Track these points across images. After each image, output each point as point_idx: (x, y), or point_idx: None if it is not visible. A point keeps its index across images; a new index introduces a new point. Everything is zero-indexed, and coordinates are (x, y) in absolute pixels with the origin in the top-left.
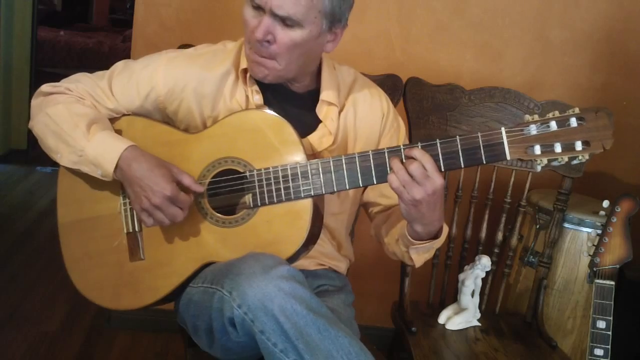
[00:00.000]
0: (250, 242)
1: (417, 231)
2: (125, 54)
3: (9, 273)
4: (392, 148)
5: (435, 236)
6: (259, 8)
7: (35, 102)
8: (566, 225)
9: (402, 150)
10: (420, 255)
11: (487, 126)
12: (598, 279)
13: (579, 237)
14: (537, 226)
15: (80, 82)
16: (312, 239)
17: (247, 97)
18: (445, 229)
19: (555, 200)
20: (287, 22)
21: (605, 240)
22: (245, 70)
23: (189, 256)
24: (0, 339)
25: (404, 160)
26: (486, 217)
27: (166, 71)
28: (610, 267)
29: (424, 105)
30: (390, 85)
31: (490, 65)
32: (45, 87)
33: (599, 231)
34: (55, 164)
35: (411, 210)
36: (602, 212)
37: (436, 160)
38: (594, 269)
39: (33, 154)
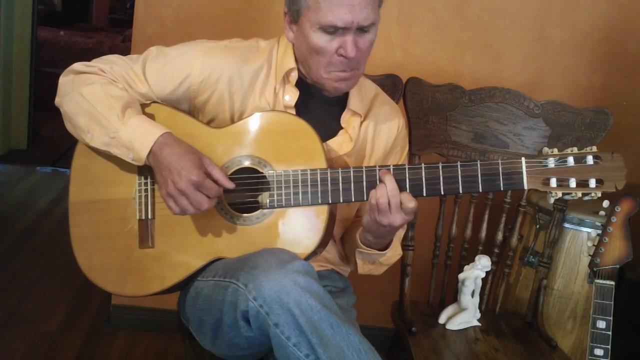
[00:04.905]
0: (263, 243)
1: (369, 239)
2: (125, 54)
3: (9, 273)
4: (407, 166)
5: (385, 247)
6: (337, 30)
7: (65, 79)
8: (566, 225)
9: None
10: (365, 263)
11: (487, 126)
12: (598, 279)
13: (579, 237)
14: (537, 226)
15: (114, 64)
16: (323, 244)
17: (275, 95)
18: (395, 250)
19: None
20: (365, 28)
21: (605, 240)
22: (289, 72)
23: (199, 249)
24: (0, 339)
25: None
26: (486, 217)
27: (203, 60)
28: (610, 267)
29: (424, 105)
30: (390, 85)
31: (490, 65)
32: (77, 66)
33: (599, 231)
34: (55, 164)
35: (372, 226)
36: (602, 212)
37: (454, 182)
38: (594, 269)
39: (33, 154)
